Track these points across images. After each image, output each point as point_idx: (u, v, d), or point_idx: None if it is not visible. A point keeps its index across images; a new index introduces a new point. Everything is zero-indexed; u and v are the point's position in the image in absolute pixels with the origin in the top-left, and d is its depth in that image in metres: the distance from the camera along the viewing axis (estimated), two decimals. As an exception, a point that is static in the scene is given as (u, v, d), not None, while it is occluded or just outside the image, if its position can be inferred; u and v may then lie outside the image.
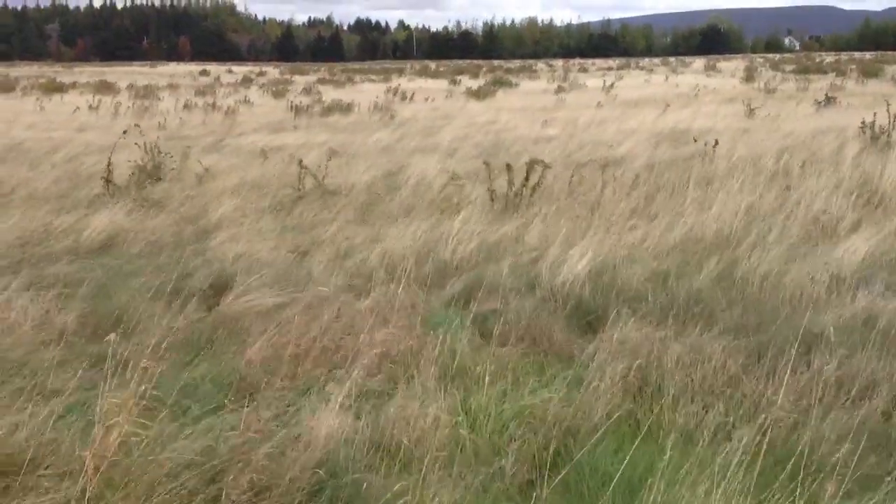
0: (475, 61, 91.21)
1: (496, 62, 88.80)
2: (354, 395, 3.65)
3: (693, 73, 50.53)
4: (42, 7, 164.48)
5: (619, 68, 63.13)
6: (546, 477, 3.09)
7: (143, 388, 3.19)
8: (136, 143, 10.75)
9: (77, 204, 9.22)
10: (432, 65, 77.45)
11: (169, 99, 28.62)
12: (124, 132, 11.17)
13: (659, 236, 6.70)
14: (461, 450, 3.12)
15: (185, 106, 24.15)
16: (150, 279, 5.92)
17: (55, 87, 35.23)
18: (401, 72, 60.09)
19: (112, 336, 3.71)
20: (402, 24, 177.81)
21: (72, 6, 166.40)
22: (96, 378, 3.92)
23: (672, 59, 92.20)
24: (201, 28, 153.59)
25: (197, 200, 9.24)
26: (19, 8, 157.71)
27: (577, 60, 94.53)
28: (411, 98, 27.61)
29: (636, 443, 3.19)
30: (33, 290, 5.39)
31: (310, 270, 6.05)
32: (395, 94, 29.20)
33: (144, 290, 5.58)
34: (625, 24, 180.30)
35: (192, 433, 3.21)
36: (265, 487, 2.90)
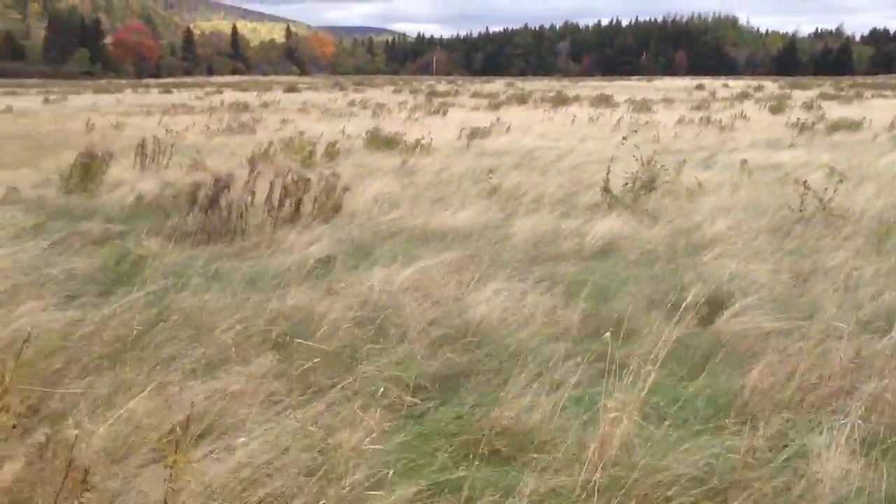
0: None
1: None
2: (866, 443, 3.34)
3: None
4: (556, 27, 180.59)
5: None
6: None
7: (645, 393, 3.32)
8: (633, 156, 11.21)
9: (577, 209, 9.94)
10: (964, 78, 67.02)
11: (663, 113, 29.28)
12: (623, 139, 11.65)
13: None
14: None
15: (679, 120, 24.48)
16: (645, 287, 6.15)
17: (561, 100, 38.44)
18: (922, 86, 53.15)
19: (607, 335, 3.91)
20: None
21: (581, 25, 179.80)
22: (597, 375, 4.19)
23: None
24: (700, 42, 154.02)
25: (689, 214, 9.30)
26: (537, 28, 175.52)
27: None
28: (935, 116, 24.25)
29: None
30: (543, 286, 5.97)
31: (813, 299, 5.69)
32: (914, 112, 25.94)
33: (641, 298, 5.82)
34: None
35: (689, 447, 3.25)
36: (770, 520, 2.82)
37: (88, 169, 10.43)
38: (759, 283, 6.16)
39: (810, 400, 3.80)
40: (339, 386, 3.77)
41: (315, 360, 4.12)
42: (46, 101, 38.17)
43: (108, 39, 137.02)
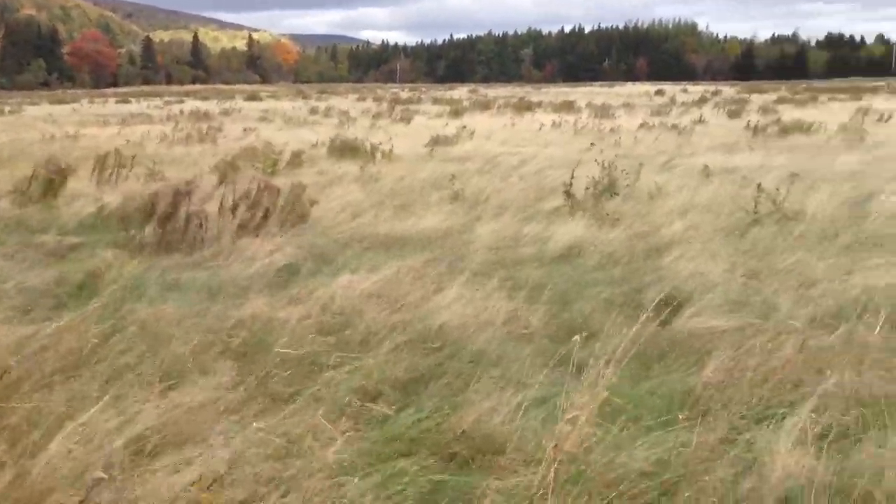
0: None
1: None
2: (816, 435, 3.43)
3: None
4: (519, 34, 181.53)
5: None
6: None
7: (604, 392, 3.37)
8: (595, 160, 11.33)
9: (540, 214, 10.01)
10: (915, 81, 68.60)
11: (624, 118, 29.61)
12: (592, 145, 11.75)
13: None
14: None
15: (640, 125, 24.77)
16: (605, 290, 6.23)
17: (524, 106, 38.68)
18: (875, 90, 54.27)
19: (576, 338, 3.97)
20: (880, 37, 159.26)
21: (545, 31, 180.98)
22: (558, 376, 4.24)
23: None
24: (660, 49, 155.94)
25: (648, 218, 9.42)
26: (500, 35, 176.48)
27: None
28: (887, 119, 24.83)
29: None
30: (505, 290, 6.02)
31: (767, 298, 5.81)
32: (865, 115, 26.53)
33: (601, 300, 5.90)
34: None
35: (644, 443, 3.31)
36: (722, 512, 2.89)
37: (51, 182, 10.28)
38: (715, 283, 6.27)
39: (762, 395, 3.88)
40: (301, 395, 3.77)
41: (276, 370, 4.12)
42: (0, 112, 37.50)
43: (66, 49, 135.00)
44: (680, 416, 3.41)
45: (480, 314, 5.30)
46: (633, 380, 4.26)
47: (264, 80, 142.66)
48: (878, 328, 4.30)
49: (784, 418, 3.50)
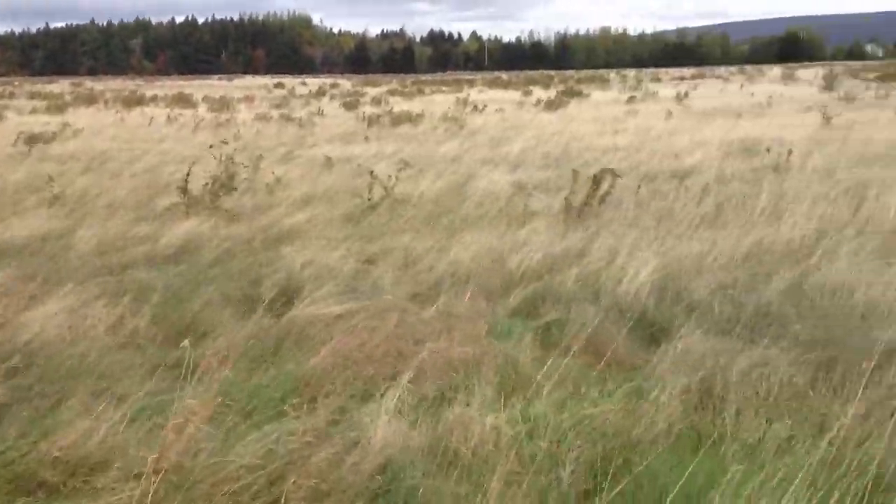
0: (547, 72, 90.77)
1: (568, 72, 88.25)
2: (414, 403, 3.69)
3: (770, 81, 49.28)
4: (126, 23, 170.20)
5: (694, 77, 62.02)
6: (604, 488, 3.06)
7: (213, 392, 3.28)
8: (213, 156, 11.05)
9: (154, 213, 9.52)
10: (504, 75, 77.43)
11: (245, 111, 29.33)
12: (217, 145, 11.40)
13: (727, 247, 6.58)
14: (519, 458, 3.12)
15: (260, 118, 24.71)
16: (222, 286, 6.09)
17: (136, 100, 36.50)
18: (472, 83, 60.23)
19: (186, 342, 3.83)
20: (474, 35, 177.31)
21: (154, 21, 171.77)
22: (166, 382, 4.05)
23: (748, 67, 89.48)
24: (277, 41, 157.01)
25: (268, 210, 9.44)
26: (105, 24, 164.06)
27: (651, 70, 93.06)
28: (482, 109, 27.67)
29: (698, 456, 3.15)
30: (109, 296, 5.59)
31: (377, 279, 6.13)
32: (464, 105, 29.30)
33: (216, 297, 5.75)
34: (701, 32, 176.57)
35: (254, 437, 3.29)
36: (325, 492, 2.95)
37: None
38: (332, 269, 6.47)
39: (368, 372, 4.08)
40: None
41: None
42: None
43: None
44: (287, 407, 3.44)
45: (79, 325, 4.86)
46: (247, 375, 4.21)
47: None
48: (466, 298, 4.76)
49: (387, 392, 3.71)
